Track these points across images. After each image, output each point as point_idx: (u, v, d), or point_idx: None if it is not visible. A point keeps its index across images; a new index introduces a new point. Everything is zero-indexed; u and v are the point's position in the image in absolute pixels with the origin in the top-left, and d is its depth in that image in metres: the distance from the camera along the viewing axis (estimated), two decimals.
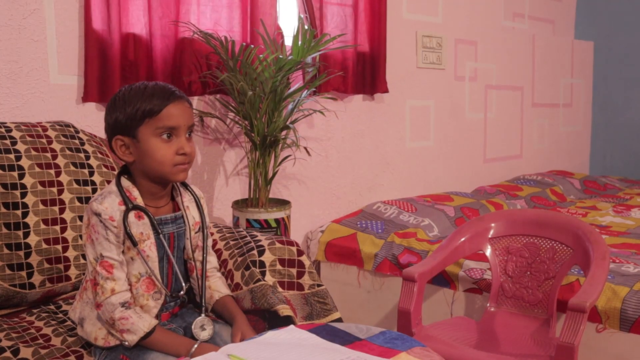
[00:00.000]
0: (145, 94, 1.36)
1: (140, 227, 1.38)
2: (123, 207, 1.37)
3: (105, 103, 2.12)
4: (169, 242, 1.45)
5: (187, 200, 1.50)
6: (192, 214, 1.50)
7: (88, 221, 1.37)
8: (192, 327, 1.41)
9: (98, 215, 1.34)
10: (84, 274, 1.65)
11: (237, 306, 1.52)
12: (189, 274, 1.52)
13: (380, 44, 2.95)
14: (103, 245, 1.34)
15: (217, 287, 1.52)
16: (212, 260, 1.57)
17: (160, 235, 1.41)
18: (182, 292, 1.46)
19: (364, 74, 2.96)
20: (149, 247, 1.40)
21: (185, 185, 1.51)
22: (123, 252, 1.38)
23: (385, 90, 3.03)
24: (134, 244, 1.36)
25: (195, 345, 1.34)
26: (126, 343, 1.34)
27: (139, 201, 1.39)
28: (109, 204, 1.35)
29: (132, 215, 1.37)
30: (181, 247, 1.49)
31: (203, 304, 1.47)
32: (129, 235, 1.36)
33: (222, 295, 1.51)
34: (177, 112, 1.37)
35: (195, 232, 1.50)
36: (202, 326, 1.41)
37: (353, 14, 2.88)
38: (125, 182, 1.40)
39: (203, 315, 1.44)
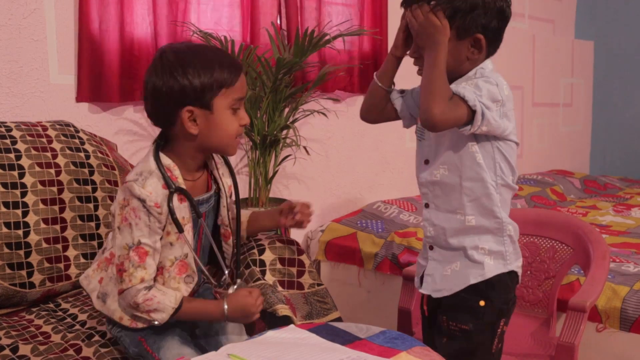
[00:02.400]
0: (217, 60, 1.27)
1: (182, 211, 1.32)
2: (167, 191, 1.29)
3: (99, 103, 2.12)
4: (200, 222, 1.40)
5: (222, 168, 1.44)
6: (225, 181, 1.44)
7: (126, 202, 1.28)
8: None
9: (142, 201, 1.26)
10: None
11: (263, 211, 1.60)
12: (222, 240, 1.48)
13: (382, 44, 2.95)
14: (143, 231, 1.27)
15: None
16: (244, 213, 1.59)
17: (200, 220, 1.37)
18: (224, 277, 1.43)
19: (369, 73, 2.95)
20: (188, 231, 1.34)
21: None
22: (161, 237, 1.32)
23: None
24: (180, 230, 1.30)
25: (225, 304, 1.32)
26: (156, 322, 1.30)
27: (180, 181, 1.31)
28: (152, 189, 1.27)
29: (175, 199, 1.30)
30: (210, 225, 1.45)
31: (237, 269, 1.47)
32: (175, 222, 1.29)
33: (247, 216, 1.57)
34: (244, 82, 1.32)
35: (230, 197, 1.45)
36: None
37: (358, 13, 2.87)
38: (165, 160, 1.31)
39: (239, 280, 1.41)
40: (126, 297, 1.30)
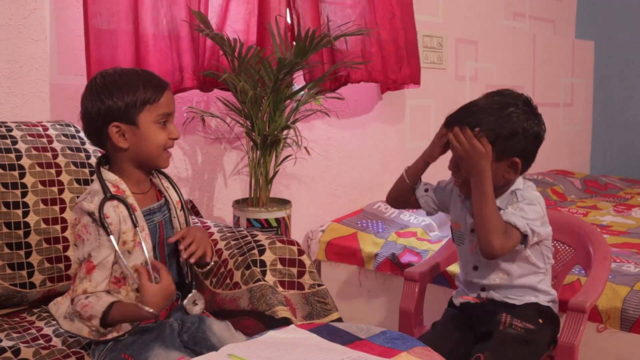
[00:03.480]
0: (140, 81, 1.36)
1: (128, 218, 1.38)
2: (115, 203, 1.36)
3: None
4: (159, 231, 1.45)
5: (165, 182, 1.52)
6: (172, 195, 1.51)
7: (77, 221, 1.35)
8: (185, 303, 1.43)
9: (91, 214, 1.33)
10: None
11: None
12: (178, 258, 1.51)
13: (408, 33, 2.94)
14: (93, 245, 1.34)
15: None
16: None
17: (157, 230, 1.43)
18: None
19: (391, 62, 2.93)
20: (144, 237, 1.39)
21: (157, 170, 1.52)
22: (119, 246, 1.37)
23: (417, 82, 3.01)
24: (107, 233, 1.33)
25: (146, 307, 1.30)
26: (94, 328, 1.33)
27: (128, 194, 1.39)
28: (100, 202, 1.34)
29: (123, 208, 1.37)
30: (170, 235, 1.49)
31: (191, 280, 1.50)
32: (103, 225, 1.33)
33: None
34: (171, 99, 1.41)
35: (179, 211, 1.51)
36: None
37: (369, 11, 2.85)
38: (110, 176, 1.39)
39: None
40: (73, 307, 1.35)
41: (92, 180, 1.76)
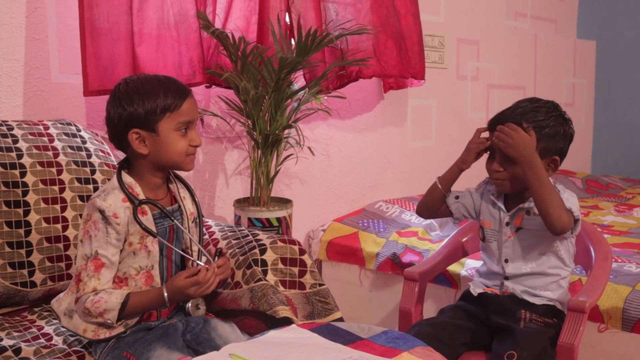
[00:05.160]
0: (162, 88, 1.38)
1: (143, 222, 1.39)
2: (127, 204, 1.38)
3: (100, 102, 2.11)
4: (169, 235, 1.46)
5: (182, 191, 1.52)
6: (188, 206, 1.52)
7: (88, 217, 1.37)
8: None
9: (102, 212, 1.35)
10: None
11: None
12: (185, 265, 1.53)
13: (416, 29, 2.93)
14: (101, 243, 1.35)
15: None
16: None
17: (167, 233, 1.44)
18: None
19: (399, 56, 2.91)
20: (152, 242, 1.41)
21: (178, 177, 1.54)
22: (123, 248, 1.39)
23: (422, 77, 3.00)
24: (154, 235, 1.39)
25: (165, 291, 1.37)
26: (109, 322, 1.35)
27: (142, 197, 1.41)
28: (112, 201, 1.36)
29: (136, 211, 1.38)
30: (180, 240, 1.50)
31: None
32: (144, 229, 1.37)
33: None
34: (192, 106, 1.42)
35: (192, 222, 1.52)
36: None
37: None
38: (127, 179, 1.41)
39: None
40: (79, 306, 1.36)
41: (94, 180, 1.77)
